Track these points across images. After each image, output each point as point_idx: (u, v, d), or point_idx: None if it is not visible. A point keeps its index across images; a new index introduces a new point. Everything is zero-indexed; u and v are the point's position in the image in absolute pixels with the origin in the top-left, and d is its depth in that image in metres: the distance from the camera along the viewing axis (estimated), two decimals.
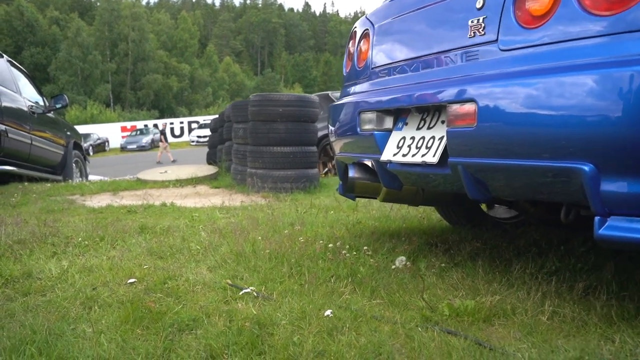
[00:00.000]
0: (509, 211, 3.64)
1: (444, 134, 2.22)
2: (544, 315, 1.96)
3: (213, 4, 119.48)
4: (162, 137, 21.86)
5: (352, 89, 3.01)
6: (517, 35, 1.96)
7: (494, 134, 1.95)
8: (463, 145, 2.09)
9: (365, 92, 2.81)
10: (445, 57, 2.28)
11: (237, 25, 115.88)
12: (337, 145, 3.10)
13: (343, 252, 2.78)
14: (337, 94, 9.65)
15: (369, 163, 2.78)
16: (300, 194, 5.80)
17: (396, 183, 2.67)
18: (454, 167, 2.15)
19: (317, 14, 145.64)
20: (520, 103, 1.86)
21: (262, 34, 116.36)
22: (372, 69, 2.81)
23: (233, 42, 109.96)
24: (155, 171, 8.22)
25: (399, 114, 2.59)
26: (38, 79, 45.57)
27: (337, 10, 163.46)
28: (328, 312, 1.90)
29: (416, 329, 1.88)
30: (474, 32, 2.13)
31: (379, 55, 2.77)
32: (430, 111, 2.39)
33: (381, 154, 2.59)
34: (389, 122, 2.62)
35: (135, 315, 2.06)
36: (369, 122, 2.68)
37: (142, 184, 7.24)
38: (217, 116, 9.81)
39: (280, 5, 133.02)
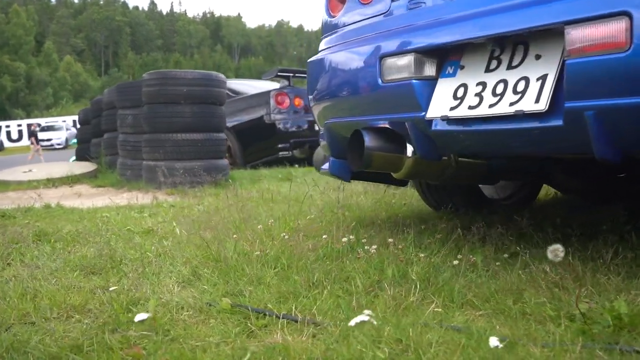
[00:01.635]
0: (503, 191, 3.11)
1: (553, 70, 1.58)
2: None
3: None
4: (33, 138, 19.20)
5: (350, 33, 2.28)
6: None
7: None
8: (599, 81, 1.46)
9: (383, 32, 2.09)
10: None
11: (77, 23, 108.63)
12: (331, 109, 2.36)
13: (367, 247, 2.05)
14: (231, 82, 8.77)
15: (387, 126, 2.09)
16: (211, 188, 4.90)
17: (434, 151, 1.99)
18: (574, 115, 1.51)
19: (164, 13, 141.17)
20: None
21: (106, 32, 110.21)
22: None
23: (74, 40, 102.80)
24: (16, 170, 6.79)
25: (446, 55, 1.92)
26: None
27: (185, 10, 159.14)
28: (494, 342, 1.16)
29: (601, 357, 1.21)
30: None
31: None
32: (508, 45, 1.74)
33: (424, 110, 1.90)
34: (430, 69, 1.94)
35: None
36: (399, 70, 1.97)
37: (1, 185, 5.87)
38: (87, 106, 8.50)
39: (124, 3, 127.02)
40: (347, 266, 1.88)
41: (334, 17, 2.45)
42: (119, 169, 5.80)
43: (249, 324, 1.51)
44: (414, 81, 1.92)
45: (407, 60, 1.94)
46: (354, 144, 2.12)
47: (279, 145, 7.67)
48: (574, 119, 1.52)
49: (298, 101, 7.86)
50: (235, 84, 8.62)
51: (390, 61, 2.00)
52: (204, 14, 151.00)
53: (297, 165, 7.06)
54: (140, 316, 1.44)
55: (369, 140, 2.04)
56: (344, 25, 2.36)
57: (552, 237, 2.19)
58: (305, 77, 8.72)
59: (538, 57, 1.66)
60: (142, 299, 1.72)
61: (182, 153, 5.03)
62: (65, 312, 1.68)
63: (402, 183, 2.81)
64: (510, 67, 1.72)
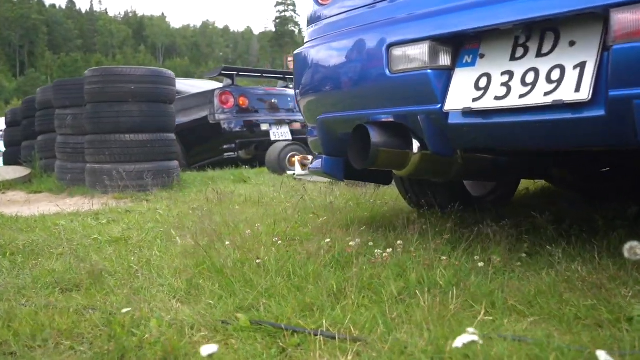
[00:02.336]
0: (484, 188, 3.03)
1: (592, 57, 1.49)
2: None
3: None
4: None
5: (346, 21, 2.13)
6: None
7: None
8: None
9: (390, 19, 1.95)
10: None
11: None
12: (325, 103, 2.20)
13: (378, 250, 1.89)
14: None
15: (392, 121, 1.96)
16: (163, 192, 4.61)
17: (448, 146, 1.87)
18: (620, 103, 1.43)
19: (84, 12, 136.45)
20: None
21: (21, 32, 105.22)
22: None
23: None
24: None
25: (462, 43, 1.80)
26: None
27: (106, 9, 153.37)
28: (604, 356, 1.02)
29: None
30: None
31: None
32: (535, 31, 1.64)
33: (440, 102, 1.77)
34: (445, 58, 1.81)
35: None
36: (411, 60, 1.84)
37: None
38: (16, 107, 7.89)
39: (40, 1, 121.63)
40: (364, 272, 1.72)
41: (323, 5, 2.29)
42: (57, 173, 5.38)
43: (280, 344, 1.33)
44: (429, 71, 1.79)
45: (420, 49, 1.81)
46: (357, 140, 1.97)
47: (225, 147, 7.40)
48: (618, 108, 1.43)
49: (242, 100, 7.62)
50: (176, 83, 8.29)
51: (399, 50, 1.86)
52: (126, 13, 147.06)
53: (246, 166, 6.83)
54: (208, 348, 1.21)
55: (374, 136, 1.90)
56: (338, 14, 2.20)
57: (555, 234, 2.11)
58: (249, 76, 8.43)
59: (572, 43, 1.56)
60: (142, 318, 1.50)
61: (130, 155, 4.71)
62: (51, 339, 1.44)
63: (387, 181, 2.68)
64: (540, 54, 1.62)
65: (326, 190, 4.06)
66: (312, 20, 2.38)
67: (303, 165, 5.53)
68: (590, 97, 1.46)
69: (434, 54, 1.80)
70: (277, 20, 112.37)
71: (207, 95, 7.50)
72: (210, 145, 7.45)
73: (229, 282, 1.74)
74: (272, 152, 5.94)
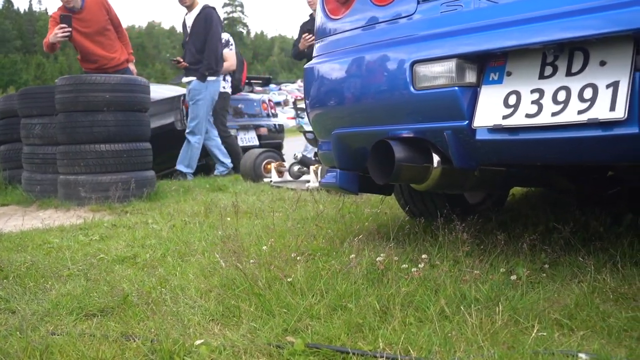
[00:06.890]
0: (476, 196, 3.09)
1: (625, 77, 1.55)
2: None
3: None
4: None
5: (362, 37, 2.14)
6: None
7: None
8: None
9: (413, 36, 1.97)
10: None
11: None
12: (342, 117, 2.21)
13: (404, 265, 1.92)
14: None
15: (413, 136, 1.98)
16: (142, 203, 4.51)
17: (472, 161, 1.91)
18: None
19: (22, 11, 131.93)
20: None
21: None
22: (422, 1, 1.98)
23: None
24: None
25: (488, 61, 1.84)
26: None
27: (46, 9, 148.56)
28: None
29: None
30: None
31: None
32: (564, 51, 1.69)
33: (468, 119, 1.81)
34: (471, 75, 1.85)
35: None
36: (437, 77, 1.87)
37: None
38: None
39: None
40: (400, 289, 1.73)
41: (334, 19, 2.29)
42: (24, 185, 5.17)
43: None
44: (456, 88, 1.82)
45: (447, 66, 1.84)
46: (377, 156, 1.99)
47: None
48: None
49: None
50: None
51: (425, 67, 1.89)
52: None
53: (217, 173, 6.75)
54: None
55: (398, 151, 1.92)
56: (352, 29, 2.21)
57: (563, 244, 2.17)
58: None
59: (603, 63, 1.61)
60: (184, 344, 1.46)
61: (106, 165, 4.57)
62: None
63: (389, 192, 2.71)
64: (570, 73, 1.67)
65: (306, 198, 4.08)
66: (320, 33, 2.38)
67: (279, 173, 5.51)
68: (626, 115, 1.52)
69: (460, 72, 1.83)
70: (225, 22, 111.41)
71: (173, 101, 7.36)
72: (178, 152, 7.31)
73: (265, 302, 1.72)
74: (247, 159, 5.89)
